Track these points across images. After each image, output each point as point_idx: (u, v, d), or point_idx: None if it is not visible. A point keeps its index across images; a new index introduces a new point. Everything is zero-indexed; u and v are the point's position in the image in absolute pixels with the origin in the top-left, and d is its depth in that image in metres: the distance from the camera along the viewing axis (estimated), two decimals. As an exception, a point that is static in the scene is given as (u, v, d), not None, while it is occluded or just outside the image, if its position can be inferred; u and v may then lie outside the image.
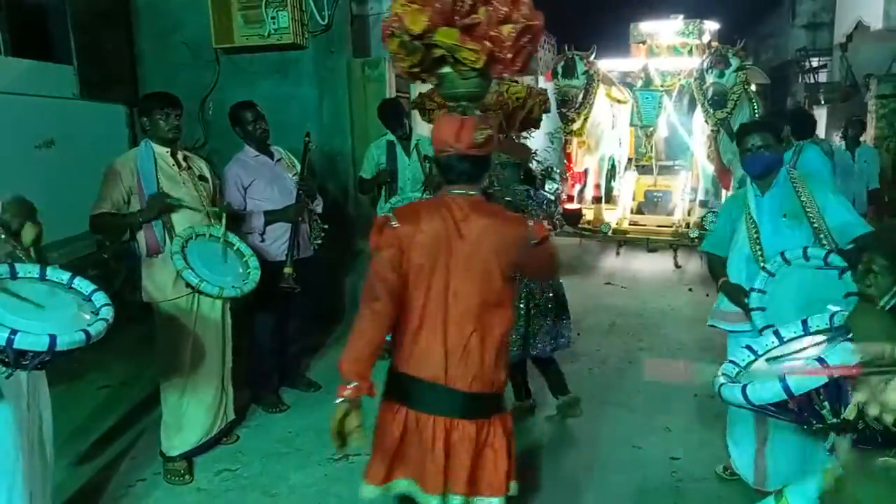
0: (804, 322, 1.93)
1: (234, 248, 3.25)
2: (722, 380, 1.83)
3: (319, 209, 3.94)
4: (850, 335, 1.62)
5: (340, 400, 1.73)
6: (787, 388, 1.59)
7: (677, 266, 7.63)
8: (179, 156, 3.19)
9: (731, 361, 1.94)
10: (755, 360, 1.91)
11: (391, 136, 4.63)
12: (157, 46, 5.81)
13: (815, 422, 1.63)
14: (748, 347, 1.96)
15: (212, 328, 3.25)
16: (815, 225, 2.57)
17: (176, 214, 3.08)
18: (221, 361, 3.32)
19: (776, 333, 1.96)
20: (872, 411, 0.96)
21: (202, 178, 3.28)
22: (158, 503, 3.00)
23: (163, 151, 3.12)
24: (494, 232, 1.88)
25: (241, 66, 5.51)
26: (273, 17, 5.14)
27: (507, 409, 2.06)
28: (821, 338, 1.82)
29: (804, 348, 1.82)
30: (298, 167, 3.87)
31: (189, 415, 3.21)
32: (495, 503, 1.92)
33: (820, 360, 1.59)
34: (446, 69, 1.99)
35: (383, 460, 1.90)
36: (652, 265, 7.83)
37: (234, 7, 5.17)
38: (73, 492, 3.06)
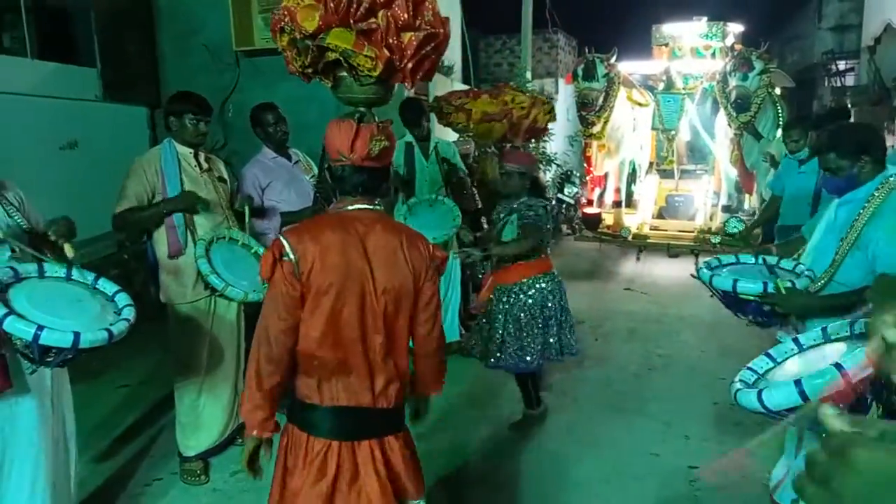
0: (824, 329, 1.89)
1: (253, 251, 3.25)
2: (739, 385, 1.79)
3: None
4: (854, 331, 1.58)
5: (250, 438, 1.76)
6: (802, 393, 1.56)
7: (698, 271, 7.52)
8: (201, 157, 3.19)
9: (749, 368, 1.89)
10: (774, 367, 1.87)
11: (409, 138, 4.62)
12: (178, 49, 5.88)
13: None
14: (767, 355, 1.91)
15: (227, 329, 3.26)
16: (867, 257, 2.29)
17: (198, 216, 3.08)
18: (236, 362, 3.33)
19: (796, 341, 1.91)
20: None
21: (221, 179, 3.29)
22: (174, 502, 3.01)
23: (186, 152, 3.12)
24: (401, 247, 1.78)
25: (261, 68, 5.56)
26: (293, 20, 5.17)
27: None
28: (841, 345, 1.77)
29: (824, 355, 1.78)
30: (316, 170, 3.88)
31: (205, 415, 3.23)
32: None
33: (837, 365, 1.55)
34: (342, 74, 1.83)
35: None
36: (673, 271, 7.73)
37: (254, 10, 5.22)
38: (93, 488, 3.08)
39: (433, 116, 5.44)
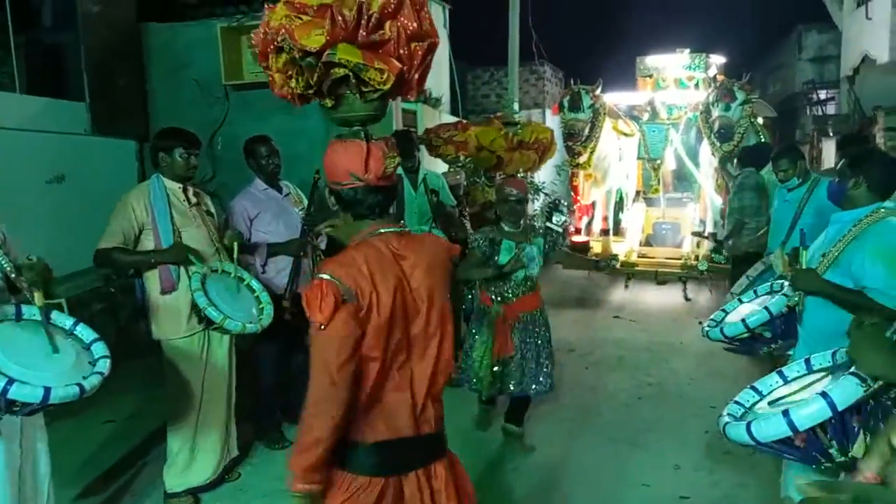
0: (807, 361, 1.92)
1: (245, 282, 3.23)
2: (727, 419, 1.79)
3: (323, 245, 3.95)
4: (853, 367, 1.59)
5: (298, 495, 1.58)
6: (791, 424, 1.56)
7: (687, 299, 7.55)
8: (190, 191, 3.16)
9: (736, 402, 1.90)
10: (760, 400, 1.87)
11: (399, 170, 4.65)
12: (167, 83, 5.93)
13: (823, 460, 1.60)
14: (753, 388, 1.93)
15: (220, 364, 3.23)
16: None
17: (191, 244, 3.05)
18: (227, 398, 3.29)
19: (780, 373, 1.92)
20: None
21: (209, 213, 3.28)
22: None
23: (175, 187, 3.09)
24: (436, 264, 1.73)
25: (250, 101, 5.61)
26: (282, 54, 5.23)
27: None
28: (823, 374, 1.79)
29: (809, 384, 1.79)
30: (306, 202, 3.89)
31: (199, 452, 3.16)
32: None
33: (823, 394, 1.55)
34: (345, 90, 1.71)
35: None
36: (661, 298, 7.76)
37: (243, 44, 5.29)
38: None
39: (423, 148, 5.49)
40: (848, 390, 1.53)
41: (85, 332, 2.29)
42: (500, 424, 3.89)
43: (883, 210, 2.36)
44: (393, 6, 1.69)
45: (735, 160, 6.38)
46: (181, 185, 3.11)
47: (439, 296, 1.72)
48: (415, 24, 1.70)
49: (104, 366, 2.18)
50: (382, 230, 1.68)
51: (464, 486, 1.81)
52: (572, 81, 8.04)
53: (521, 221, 3.65)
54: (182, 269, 3.01)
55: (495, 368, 3.54)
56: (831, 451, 1.56)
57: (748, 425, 1.65)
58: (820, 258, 2.45)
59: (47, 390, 1.90)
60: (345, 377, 1.55)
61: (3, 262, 2.29)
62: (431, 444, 1.74)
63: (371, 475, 1.65)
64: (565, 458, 3.66)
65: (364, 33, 1.69)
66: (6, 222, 2.47)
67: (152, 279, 3.02)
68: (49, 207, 4.86)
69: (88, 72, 5.40)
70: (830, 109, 15.97)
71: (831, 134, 12.47)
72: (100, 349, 2.25)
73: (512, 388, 3.60)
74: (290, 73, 1.74)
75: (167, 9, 6.11)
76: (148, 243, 3.01)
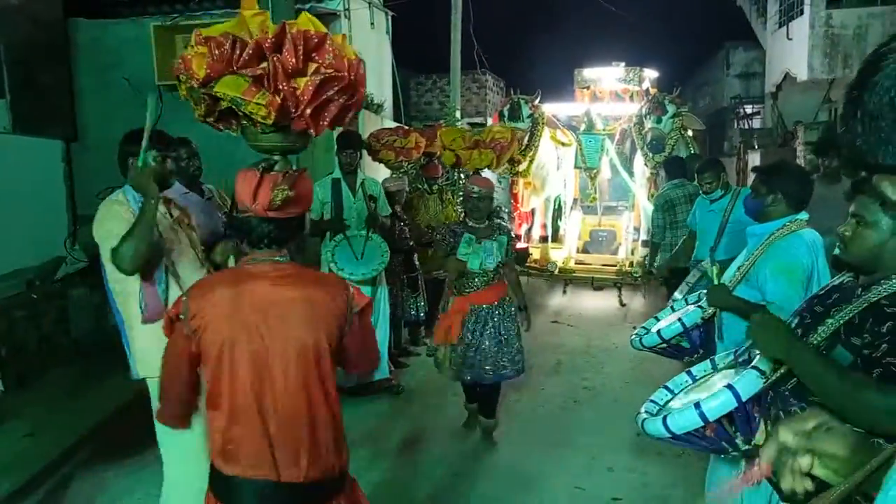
0: (712, 360, 2.07)
1: None
2: (644, 416, 1.88)
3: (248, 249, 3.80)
4: (753, 362, 1.70)
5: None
6: (702, 415, 1.67)
7: (622, 304, 7.77)
8: (171, 205, 2.76)
9: (651, 401, 1.99)
10: (672, 398, 1.97)
11: (337, 174, 4.63)
12: (97, 82, 5.72)
13: (730, 449, 1.72)
14: (665, 387, 2.03)
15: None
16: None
17: (180, 264, 2.65)
18: None
19: (689, 373, 2.03)
20: (804, 462, 0.91)
21: (190, 226, 2.85)
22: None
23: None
24: (306, 303, 1.66)
25: (185, 102, 5.45)
26: (219, 56, 5.12)
27: (349, 481, 1.82)
28: (730, 371, 1.91)
29: (715, 382, 1.91)
30: (230, 205, 3.74)
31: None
32: None
33: (729, 386, 1.66)
34: (244, 122, 1.74)
35: None
36: (597, 303, 7.96)
37: (177, 44, 5.15)
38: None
39: (364, 153, 5.47)
40: (750, 382, 1.65)
41: None
42: (439, 430, 3.91)
43: (794, 224, 2.47)
44: (271, 41, 1.68)
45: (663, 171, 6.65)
46: (160, 196, 2.61)
47: (300, 341, 1.63)
48: (296, 60, 1.68)
49: None
50: (258, 260, 1.69)
51: None
52: (513, 91, 8.18)
53: (486, 218, 3.78)
54: (177, 289, 2.56)
55: (445, 353, 3.72)
56: (737, 440, 1.69)
57: (664, 419, 1.75)
58: (735, 272, 2.56)
59: None
60: (173, 389, 1.78)
61: None
62: (301, 493, 1.66)
63: (216, 498, 1.68)
64: (501, 462, 3.70)
65: (237, 67, 1.69)
66: None
67: (130, 305, 2.56)
68: (-35, 209, 4.60)
69: (9, 67, 5.13)
70: (756, 123, 16.80)
71: (756, 146, 13.12)
72: None
73: (469, 377, 3.77)
74: (190, 100, 1.77)
75: (96, 5, 5.89)
76: None
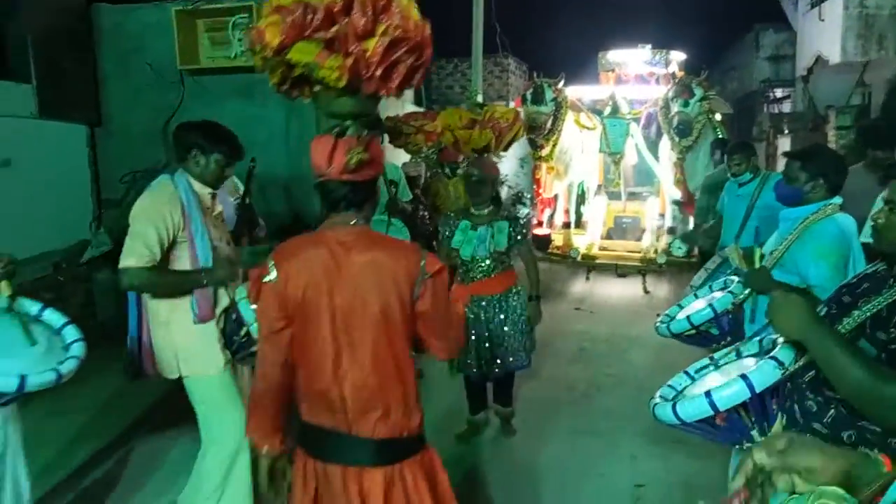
0: (737, 347, 1.98)
1: None
2: (658, 401, 1.84)
3: (262, 234, 3.78)
4: (775, 351, 1.64)
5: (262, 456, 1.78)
6: (712, 404, 1.62)
7: (646, 291, 7.67)
8: (216, 200, 2.75)
9: (669, 385, 1.95)
10: (692, 383, 1.92)
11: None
12: (120, 67, 5.75)
13: (745, 441, 1.66)
14: (686, 372, 1.98)
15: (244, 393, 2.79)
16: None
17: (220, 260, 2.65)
18: None
19: (711, 358, 1.98)
20: (781, 482, 0.91)
21: (221, 218, 2.87)
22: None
23: (204, 192, 2.63)
24: (379, 266, 1.71)
25: (207, 87, 5.47)
26: (240, 39, 5.12)
27: (425, 447, 1.87)
28: (751, 360, 1.84)
29: (737, 369, 1.85)
30: (242, 190, 3.57)
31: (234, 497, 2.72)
32: None
33: (743, 376, 1.61)
34: (316, 88, 1.79)
35: None
36: (621, 290, 7.87)
37: (199, 28, 5.14)
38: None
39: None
40: (766, 373, 1.59)
41: (53, 317, 2.22)
42: (446, 419, 3.89)
43: (829, 207, 2.41)
44: (341, 5, 1.71)
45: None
46: (210, 192, 2.66)
47: (372, 302, 1.69)
48: (366, 21, 1.71)
49: (79, 350, 2.12)
50: (336, 222, 1.75)
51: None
52: (535, 74, 8.06)
53: (491, 203, 3.58)
54: (220, 290, 2.60)
55: None
56: (753, 432, 1.63)
57: (674, 405, 1.71)
58: (768, 256, 2.50)
59: (23, 378, 1.85)
60: (271, 341, 1.75)
61: None
62: (368, 449, 1.73)
63: (306, 453, 1.78)
64: (522, 448, 3.68)
65: (310, 32, 1.71)
66: None
67: (179, 306, 2.54)
68: (-7, 193, 4.67)
69: (35, 53, 5.18)
70: (786, 107, 16.40)
71: (786, 131, 12.82)
72: (71, 333, 2.18)
73: (475, 371, 3.57)
74: (265, 71, 1.81)
75: (119, -11, 5.91)
76: (181, 259, 2.54)
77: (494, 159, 5.15)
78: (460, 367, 3.62)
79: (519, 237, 3.56)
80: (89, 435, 3.80)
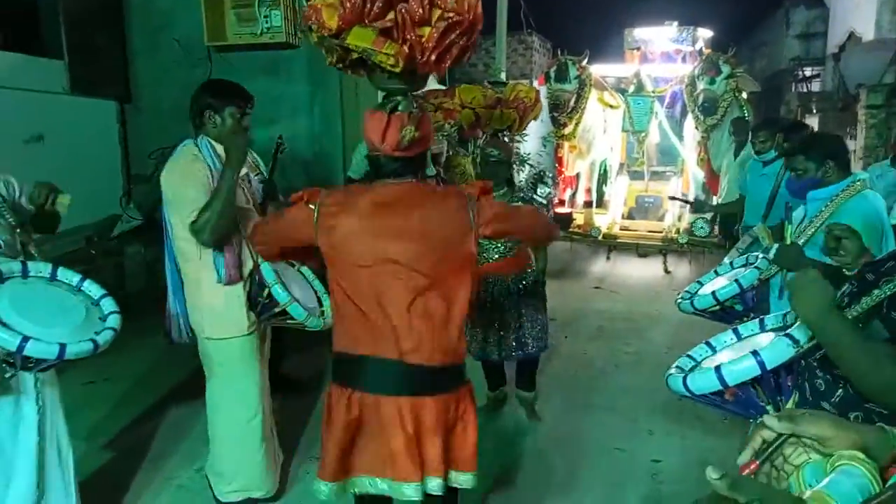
0: (761, 321, 1.98)
1: (296, 268, 2.82)
2: (673, 371, 1.87)
3: None
4: (791, 329, 1.66)
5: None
6: (721, 379, 1.64)
7: (667, 272, 7.66)
8: None
9: (688, 356, 1.97)
10: (713, 355, 1.94)
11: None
12: (149, 43, 5.82)
13: (758, 417, 1.68)
14: (707, 343, 2.00)
15: (265, 361, 2.87)
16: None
17: (246, 224, 2.63)
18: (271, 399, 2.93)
19: (735, 331, 1.99)
20: (793, 452, 0.90)
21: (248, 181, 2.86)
22: (139, 499, 2.98)
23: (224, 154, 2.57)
24: (430, 206, 1.82)
25: (234, 63, 5.51)
26: (266, 16, 5.14)
27: (469, 381, 1.97)
28: (772, 335, 1.86)
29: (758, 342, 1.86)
30: (264, 168, 3.71)
31: (255, 463, 2.79)
32: (469, 478, 1.85)
33: (754, 352, 1.62)
34: (372, 67, 1.86)
35: (337, 454, 1.80)
36: (642, 270, 7.86)
37: (226, 5, 5.17)
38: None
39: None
40: (778, 350, 1.60)
41: (92, 288, 2.27)
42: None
43: (859, 182, 2.41)
44: None
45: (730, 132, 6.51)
46: None
47: (429, 243, 1.78)
48: (422, 10, 1.77)
49: (115, 321, 2.17)
50: (388, 182, 1.85)
51: (468, 433, 1.86)
52: (560, 52, 7.99)
53: (505, 185, 3.52)
54: (245, 254, 2.60)
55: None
56: (768, 407, 1.65)
57: (685, 378, 1.74)
58: (797, 235, 2.50)
59: (62, 347, 1.92)
60: (274, 232, 1.99)
61: (7, 216, 2.26)
62: (423, 377, 1.79)
63: (349, 386, 1.83)
64: (541, 424, 3.74)
65: (368, 19, 1.77)
66: None
67: (203, 268, 2.54)
68: (27, 167, 4.77)
69: (67, 29, 5.27)
70: (815, 87, 16.04)
71: (815, 111, 12.57)
72: (109, 305, 2.23)
73: (490, 356, 3.55)
74: (321, 49, 1.89)
75: (148, -34, 5.96)
76: None
77: (518, 139, 5.11)
78: (482, 355, 3.57)
79: None
80: (124, 403, 3.95)
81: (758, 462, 0.90)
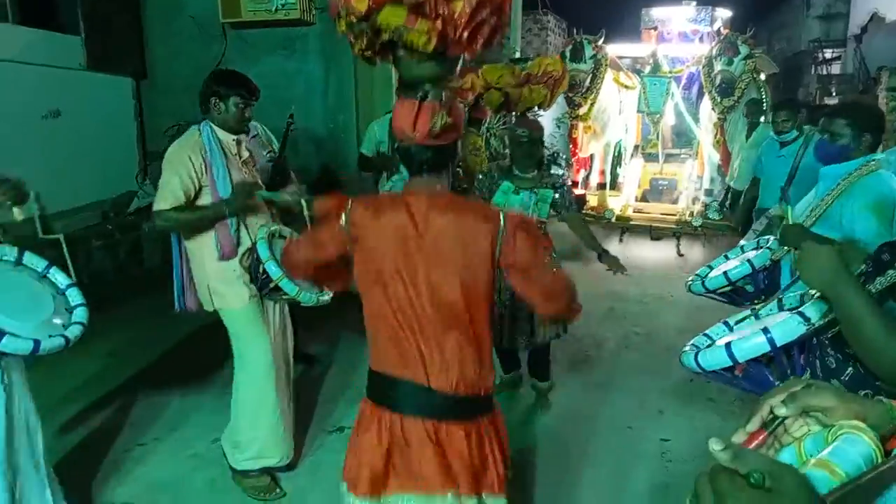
0: (779, 301, 1.97)
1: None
2: (687, 349, 1.88)
3: (293, 188, 3.77)
4: (804, 307, 1.66)
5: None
6: (731, 355, 1.65)
7: (680, 254, 7.62)
8: (243, 145, 2.83)
9: (705, 334, 1.98)
10: (729, 334, 1.95)
11: (394, 114, 4.63)
12: (164, 19, 5.82)
13: None
14: (725, 322, 2.00)
15: (279, 332, 2.98)
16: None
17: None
18: (288, 371, 3.03)
19: (753, 310, 2.00)
20: (797, 427, 0.90)
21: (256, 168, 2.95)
22: (155, 469, 3.06)
23: (228, 139, 2.75)
24: (457, 227, 1.71)
25: (248, 40, 5.53)
26: (280, -7, 5.14)
27: (496, 408, 1.91)
28: (787, 314, 1.85)
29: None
30: (276, 145, 3.72)
31: (270, 432, 2.88)
32: (502, 502, 1.82)
33: (765, 329, 1.63)
34: (401, 52, 1.79)
35: (371, 469, 1.76)
36: (655, 253, 7.83)
37: (241, -19, 5.17)
38: (75, 453, 3.13)
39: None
40: (788, 328, 1.59)
41: (59, 277, 2.22)
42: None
43: (874, 162, 2.39)
44: None
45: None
46: (235, 138, 2.78)
47: (450, 262, 1.70)
48: None
49: (83, 315, 2.12)
50: (418, 185, 1.77)
51: (495, 458, 1.82)
52: (575, 31, 7.91)
53: (536, 167, 3.39)
54: (244, 230, 2.75)
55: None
56: (778, 384, 1.65)
57: (696, 354, 1.75)
58: (808, 212, 2.49)
59: (36, 343, 1.91)
60: (304, 252, 1.95)
61: None
62: (446, 403, 1.74)
63: (381, 404, 1.79)
64: (553, 403, 3.76)
65: None
66: (1, 157, 2.41)
67: (204, 245, 2.72)
68: (45, 143, 4.84)
69: (83, 4, 5.29)
70: (835, 69, 15.78)
71: (834, 94, 12.38)
72: (75, 296, 2.19)
73: (508, 344, 3.48)
74: (349, 37, 1.83)
75: (163, -59, 5.95)
76: (205, 202, 2.69)
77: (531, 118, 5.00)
78: (510, 344, 3.49)
79: (568, 206, 3.42)
80: (142, 375, 4.02)
81: (766, 432, 0.91)
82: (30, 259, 2.18)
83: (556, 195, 3.37)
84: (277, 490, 2.88)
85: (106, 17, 5.48)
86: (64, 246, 2.57)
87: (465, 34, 1.75)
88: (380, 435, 1.76)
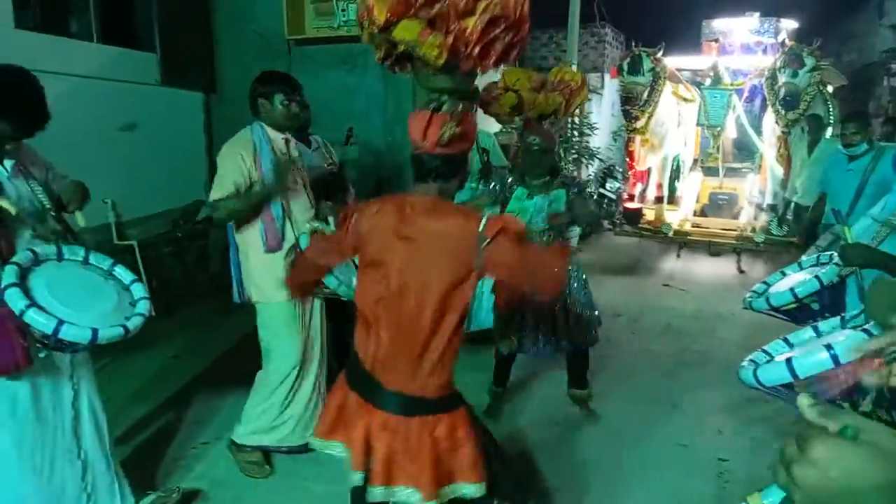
0: (842, 318, 1.94)
1: None
2: (746, 364, 1.86)
3: (350, 201, 3.85)
4: (868, 324, 1.61)
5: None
6: (792, 371, 1.63)
7: (741, 271, 7.43)
8: (291, 144, 2.99)
9: (763, 350, 1.95)
10: (789, 351, 1.91)
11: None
12: (232, 36, 6.08)
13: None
14: (784, 339, 1.97)
15: (316, 328, 3.13)
16: None
17: (294, 202, 2.94)
18: (320, 364, 3.19)
19: (815, 328, 1.95)
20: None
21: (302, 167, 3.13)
22: (217, 466, 3.17)
23: (277, 137, 2.90)
24: (436, 233, 1.79)
25: (312, 56, 5.71)
26: (343, 10, 5.31)
27: (457, 406, 1.92)
28: (850, 332, 1.81)
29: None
30: (336, 159, 3.74)
31: (286, 418, 3.08)
32: (474, 488, 1.84)
33: (828, 346, 1.59)
34: (418, 64, 1.85)
35: (327, 418, 1.97)
36: (713, 269, 7.65)
37: (305, 0, 5.36)
38: (141, 450, 3.28)
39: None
40: (851, 343, 1.57)
41: (123, 273, 2.33)
42: (539, 388, 3.96)
43: None
44: None
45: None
46: (283, 136, 2.93)
47: (426, 267, 1.78)
48: (466, 2, 1.76)
49: (144, 307, 2.22)
50: (418, 190, 1.88)
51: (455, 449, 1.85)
52: (633, 44, 7.84)
53: (548, 174, 3.41)
54: (289, 225, 2.90)
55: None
56: (843, 404, 1.60)
57: (755, 370, 1.74)
58: (878, 226, 2.42)
59: (94, 332, 1.98)
60: (317, 253, 2.20)
61: (43, 201, 2.28)
62: (389, 398, 1.83)
63: (351, 388, 1.93)
64: (604, 417, 3.73)
65: (416, 11, 1.78)
66: (81, 168, 2.55)
67: (252, 237, 2.87)
68: (121, 154, 5.11)
69: (159, 23, 5.58)
70: (910, 81, 15.07)
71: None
72: (139, 290, 2.29)
73: (532, 350, 3.46)
74: (371, 44, 1.90)
75: (233, -38, 6.22)
76: None
77: (587, 132, 4.96)
78: (516, 348, 3.49)
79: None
80: (203, 376, 4.18)
81: (883, 360, 0.90)
82: (96, 258, 2.31)
83: (568, 192, 3.37)
84: (266, 467, 3.08)
85: (179, 34, 5.77)
86: (137, 251, 2.73)
87: (477, 49, 1.79)
88: (340, 395, 1.95)
